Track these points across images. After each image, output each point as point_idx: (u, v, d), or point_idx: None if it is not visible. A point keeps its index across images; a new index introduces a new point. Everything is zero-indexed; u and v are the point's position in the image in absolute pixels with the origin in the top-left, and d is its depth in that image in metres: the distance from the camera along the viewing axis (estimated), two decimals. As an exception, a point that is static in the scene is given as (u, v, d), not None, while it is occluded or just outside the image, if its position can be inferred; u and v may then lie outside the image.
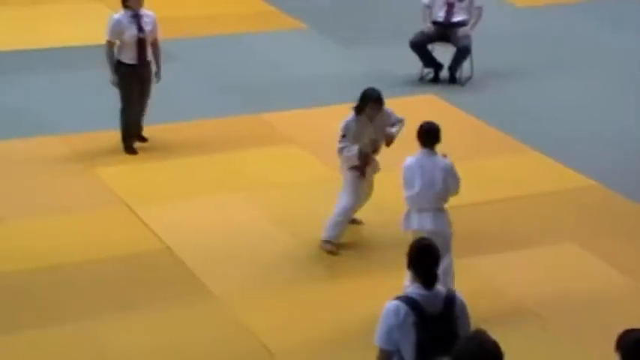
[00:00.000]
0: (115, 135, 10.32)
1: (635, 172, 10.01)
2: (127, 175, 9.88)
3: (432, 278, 5.36)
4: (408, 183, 7.67)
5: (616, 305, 7.84)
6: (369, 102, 8.56)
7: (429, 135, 7.68)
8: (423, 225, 7.58)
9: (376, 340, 5.38)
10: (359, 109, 8.59)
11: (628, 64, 12.72)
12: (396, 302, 5.33)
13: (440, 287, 5.40)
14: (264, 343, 7.39)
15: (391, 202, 9.60)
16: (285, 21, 14.44)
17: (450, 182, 7.68)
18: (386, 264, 8.27)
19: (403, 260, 5.43)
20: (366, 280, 8.20)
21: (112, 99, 10.32)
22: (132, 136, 10.37)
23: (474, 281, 8.11)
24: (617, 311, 7.62)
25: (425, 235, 6.85)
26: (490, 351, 4.19)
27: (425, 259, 5.39)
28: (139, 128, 10.49)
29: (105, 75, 10.24)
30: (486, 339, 4.26)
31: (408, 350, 5.25)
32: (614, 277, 8.30)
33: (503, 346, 4.32)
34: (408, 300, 5.32)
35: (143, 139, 10.52)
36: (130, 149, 10.33)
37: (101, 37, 10.27)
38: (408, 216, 7.76)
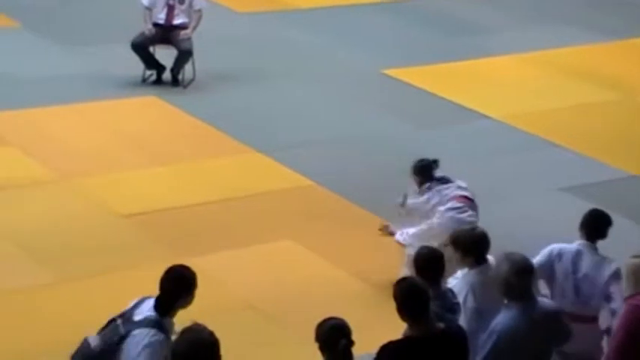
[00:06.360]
0: None
1: (350, 173, 10.42)
2: None
3: None
4: None
5: (331, 296, 8.17)
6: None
7: None
8: None
9: None
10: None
11: (344, 71, 13.24)
12: None
13: None
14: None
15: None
16: (-5, 19, 14.01)
17: None
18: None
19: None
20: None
21: None
22: None
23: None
24: (333, 302, 7.95)
25: None
26: (204, 338, 4.38)
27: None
28: None
29: None
30: (201, 328, 4.45)
31: None
32: (328, 271, 8.64)
33: (221, 336, 4.48)
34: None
35: None
36: None
37: None
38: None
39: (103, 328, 5.51)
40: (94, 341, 5.40)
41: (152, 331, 5.24)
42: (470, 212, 8.03)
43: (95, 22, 14.22)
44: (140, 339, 5.24)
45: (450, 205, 8.09)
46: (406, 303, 5.43)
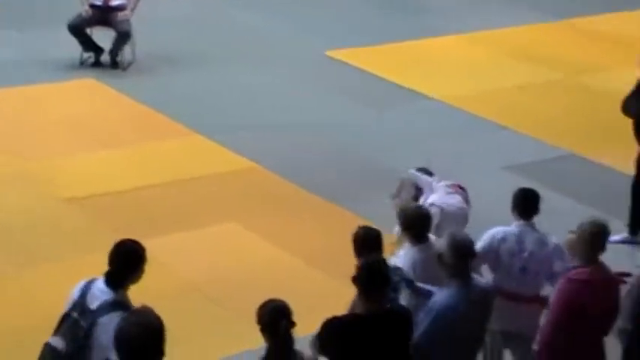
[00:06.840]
0: None
1: (295, 156, 10.38)
2: None
3: None
4: None
5: (276, 279, 8.15)
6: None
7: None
8: None
9: None
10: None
11: (288, 54, 13.18)
12: None
13: None
14: None
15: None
16: None
17: None
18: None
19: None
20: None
21: None
22: None
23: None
24: (278, 284, 7.92)
25: None
26: (151, 322, 4.33)
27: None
28: None
29: None
30: (147, 312, 4.39)
31: None
32: (274, 254, 8.61)
33: (166, 318, 4.43)
34: None
35: None
36: None
37: None
38: None
39: (59, 327, 5.33)
40: (58, 343, 5.24)
41: (117, 313, 5.09)
42: (460, 199, 8.00)
43: (30, 5, 14.02)
44: (109, 325, 5.03)
45: (442, 190, 8.09)
46: (367, 276, 5.48)
